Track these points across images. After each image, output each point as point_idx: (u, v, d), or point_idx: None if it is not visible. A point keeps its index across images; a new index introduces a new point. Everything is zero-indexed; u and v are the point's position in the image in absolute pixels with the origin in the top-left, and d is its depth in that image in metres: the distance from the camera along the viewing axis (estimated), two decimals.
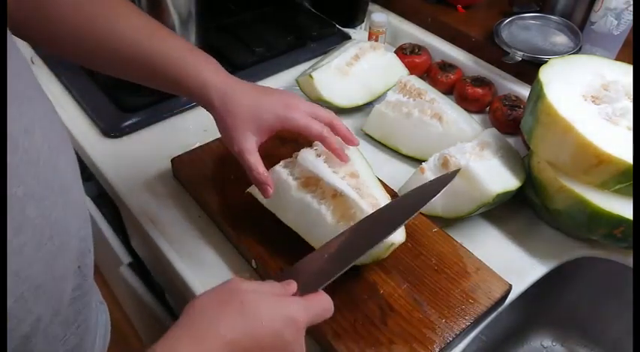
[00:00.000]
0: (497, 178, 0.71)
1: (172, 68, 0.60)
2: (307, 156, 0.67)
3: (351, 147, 0.70)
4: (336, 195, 0.64)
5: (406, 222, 0.56)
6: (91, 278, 0.50)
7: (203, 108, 0.63)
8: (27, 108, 0.38)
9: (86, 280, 0.47)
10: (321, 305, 0.48)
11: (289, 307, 0.45)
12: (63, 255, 0.41)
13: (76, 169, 0.46)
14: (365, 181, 0.67)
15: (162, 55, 0.59)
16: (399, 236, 0.62)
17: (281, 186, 0.66)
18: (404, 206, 0.58)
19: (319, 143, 0.66)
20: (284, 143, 0.75)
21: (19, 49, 0.41)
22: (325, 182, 0.64)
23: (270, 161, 0.64)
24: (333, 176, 0.65)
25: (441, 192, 0.57)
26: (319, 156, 0.67)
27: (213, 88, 0.60)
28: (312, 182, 0.66)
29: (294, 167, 0.67)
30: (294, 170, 0.67)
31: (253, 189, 0.68)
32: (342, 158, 0.66)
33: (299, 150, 0.68)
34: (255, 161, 0.61)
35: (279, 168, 0.68)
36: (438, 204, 0.73)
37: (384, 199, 0.67)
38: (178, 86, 0.61)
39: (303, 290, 0.49)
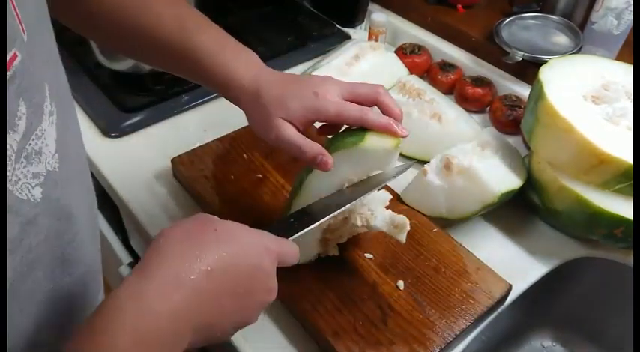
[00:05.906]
0: (500, 178, 0.71)
1: (202, 64, 0.57)
2: None
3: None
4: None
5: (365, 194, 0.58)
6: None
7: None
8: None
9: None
10: (288, 244, 0.46)
11: (263, 235, 0.43)
12: (77, 284, 0.45)
13: (92, 200, 0.49)
14: None
15: (192, 49, 0.56)
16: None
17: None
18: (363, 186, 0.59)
19: None
20: None
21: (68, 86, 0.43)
22: None
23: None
24: None
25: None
26: None
27: (240, 87, 0.57)
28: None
29: None
30: None
31: None
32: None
33: None
34: (296, 142, 0.53)
35: None
36: (442, 206, 0.72)
37: None
38: (207, 82, 0.59)
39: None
